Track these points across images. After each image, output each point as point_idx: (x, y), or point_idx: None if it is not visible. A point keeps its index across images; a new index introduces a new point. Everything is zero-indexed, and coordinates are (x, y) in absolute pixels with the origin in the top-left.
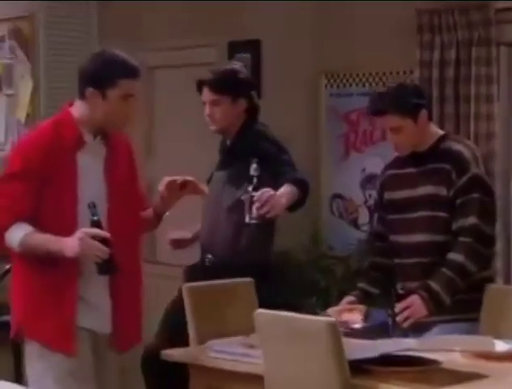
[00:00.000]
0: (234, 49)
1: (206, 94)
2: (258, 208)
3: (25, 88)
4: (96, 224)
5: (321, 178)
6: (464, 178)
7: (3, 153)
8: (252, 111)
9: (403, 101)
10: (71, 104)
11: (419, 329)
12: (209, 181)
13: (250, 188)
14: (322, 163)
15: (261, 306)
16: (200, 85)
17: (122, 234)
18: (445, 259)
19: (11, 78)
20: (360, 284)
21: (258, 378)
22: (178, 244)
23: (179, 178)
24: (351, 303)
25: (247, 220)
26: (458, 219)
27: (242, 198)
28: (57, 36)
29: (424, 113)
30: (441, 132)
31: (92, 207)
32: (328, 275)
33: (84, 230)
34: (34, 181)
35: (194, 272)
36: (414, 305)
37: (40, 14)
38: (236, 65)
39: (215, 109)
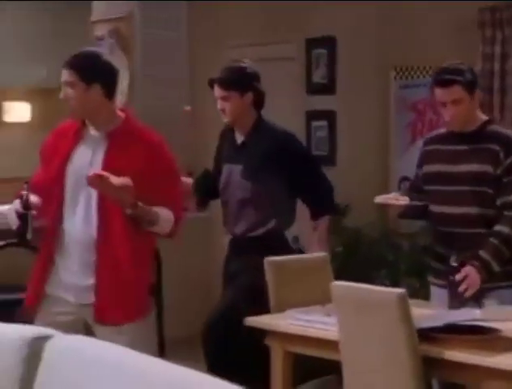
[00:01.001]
0: (311, 45)
1: (217, 90)
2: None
3: (122, 82)
4: (20, 198)
5: (390, 162)
6: (509, 160)
7: None
8: (259, 100)
9: (467, 75)
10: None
11: (478, 295)
12: (219, 171)
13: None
14: (391, 148)
15: None
16: (211, 83)
17: (111, 224)
18: (492, 231)
19: None
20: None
21: (333, 344)
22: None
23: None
24: None
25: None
26: (503, 195)
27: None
28: (150, 34)
29: (478, 92)
30: (486, 117)
31: (24, 183)
32: (396, 251)
33: (15, 203)
34: (41, 161)
35: (232, 244)
36: (470, 276)
37: (135, 15)
38: (244, 63)
39: (225, 104)
